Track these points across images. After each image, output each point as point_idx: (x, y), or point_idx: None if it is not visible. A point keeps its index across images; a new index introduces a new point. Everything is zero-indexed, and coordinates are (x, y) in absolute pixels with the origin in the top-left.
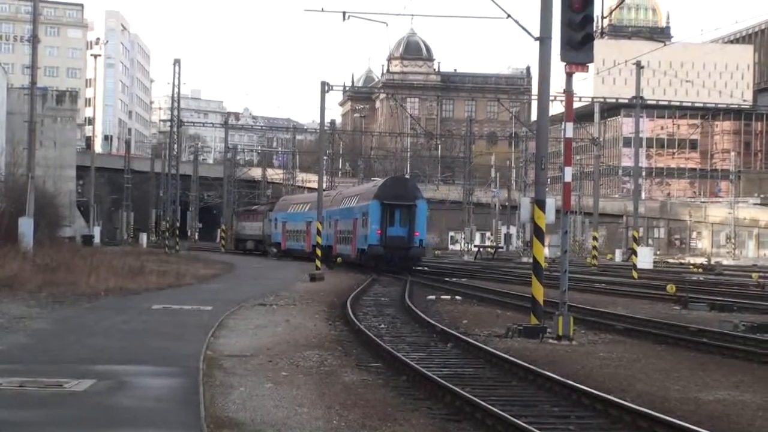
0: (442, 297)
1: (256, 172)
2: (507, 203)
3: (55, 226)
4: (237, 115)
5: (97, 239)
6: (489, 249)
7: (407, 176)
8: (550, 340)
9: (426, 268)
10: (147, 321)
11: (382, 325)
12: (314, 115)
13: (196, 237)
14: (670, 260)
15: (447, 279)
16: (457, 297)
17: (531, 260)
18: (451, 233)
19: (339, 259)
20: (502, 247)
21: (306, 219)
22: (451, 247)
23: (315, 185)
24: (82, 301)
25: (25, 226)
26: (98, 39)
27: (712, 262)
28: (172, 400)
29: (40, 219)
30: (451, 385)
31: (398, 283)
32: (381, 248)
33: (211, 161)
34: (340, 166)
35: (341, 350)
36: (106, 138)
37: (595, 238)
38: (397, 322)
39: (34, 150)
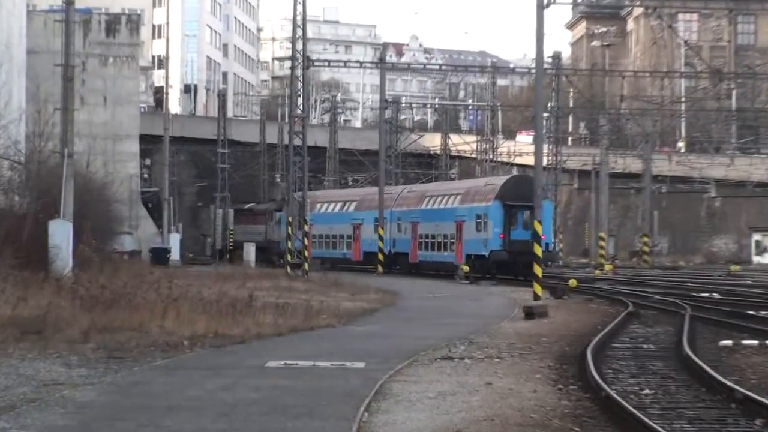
0: (744, 342)
1: (432, 140)
2: None
3: (107, 234)
4: (399, 48)
5: (175, 254)
6: None
7: (530, 176)
8: None
9: (715, 296)
10: (260, 388)
11: (646, 390)
12: (525, 47)
13: None
14: None
15: (752, 313)
16: None
17: None
18: (756, 237)
19: (573, 281)
20: None
21: (352, 220)
22: (756, 259)
23: (528, 160)
24: (153, 355)
25: (60, 234)
26: None
27: None
28: None
29: (83, 223)
30: None
31: (669, 320)
32: (504, 253)
33: (358, 124)
34: (569, 128)
35: None
36: (188, 89)
37: None
38: (671, 385)
39: (72, 111)
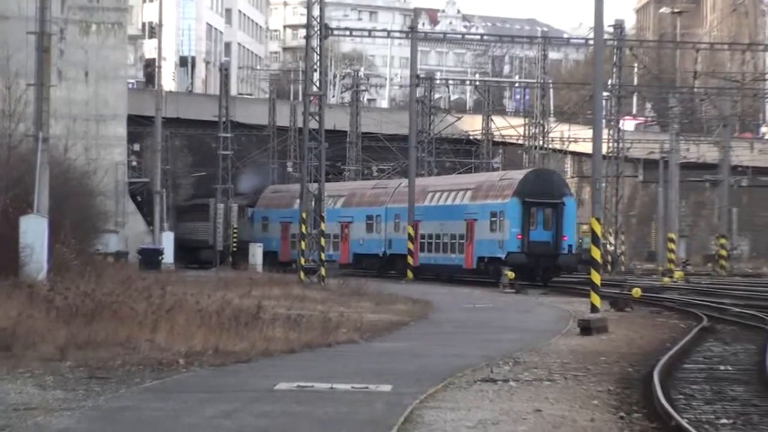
0: None
1: (471, 123)
2: None
3: (89, 233)
4: (433, 15)
5: (168, 256)
6: None
7: (551, 169)
8: None
9: None
10: (268, 415)
11: (724, 419)
12: (582, 14)
13: None
14: None
15: None
16: None
17: None
18: None
19: (637, 291)
20: None
21: (340, 218)
22: None
23: (584, 148)
24: (143, 375)
25: (34, 232)
26: None
27: None
28: None
29: (60, 219)
30: None
31: (751, 336)
32: (523, 256)
33: (384, 104)
34: (633, 110)
35: None
36: (184, 63)
37: None
38: (753, 413)
39: (48, 87)
